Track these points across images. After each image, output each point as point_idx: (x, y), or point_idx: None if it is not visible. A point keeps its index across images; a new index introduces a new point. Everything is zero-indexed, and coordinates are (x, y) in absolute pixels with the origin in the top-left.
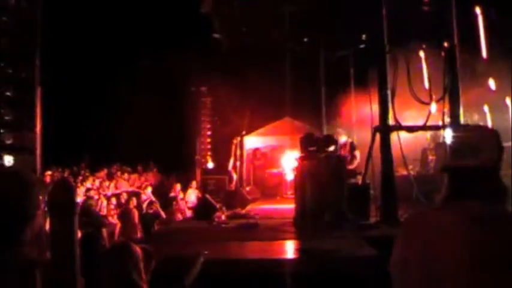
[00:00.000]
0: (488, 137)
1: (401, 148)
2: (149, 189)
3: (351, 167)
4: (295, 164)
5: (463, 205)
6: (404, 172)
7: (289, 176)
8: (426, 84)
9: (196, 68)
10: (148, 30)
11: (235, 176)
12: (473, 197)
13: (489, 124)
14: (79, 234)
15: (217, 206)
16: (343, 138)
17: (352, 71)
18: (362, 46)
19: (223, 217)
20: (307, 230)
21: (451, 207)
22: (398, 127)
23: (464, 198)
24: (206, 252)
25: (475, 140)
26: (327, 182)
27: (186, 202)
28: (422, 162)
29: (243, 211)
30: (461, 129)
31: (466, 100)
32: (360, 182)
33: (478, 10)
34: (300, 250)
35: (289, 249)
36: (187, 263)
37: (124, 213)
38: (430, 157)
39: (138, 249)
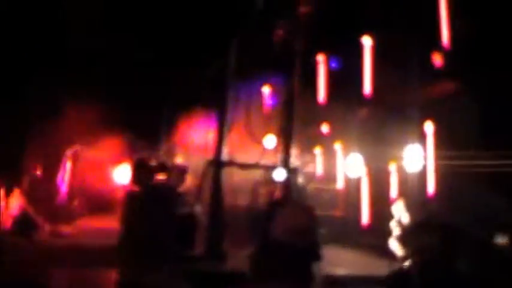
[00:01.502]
0: (314, 221)
1: (232, 184)
2: None
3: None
4: (127, 183)
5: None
6: (237, 203)
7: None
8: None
9: (40, 71)
10: None
11: (63, 189)
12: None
13: (319, 166)
14: None
15: (41, 220)
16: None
17: (198, 95)
18: (212, 73)
19: (45, 234)
20: (130, 259)
21: None
22: (231, 163)
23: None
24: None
25: (306, 222)
26: (155, 211)
27: (9, 211)
28: (253, 194)
29: (68, 228)
30: (292, 207)
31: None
32: (190, 212)
33: (320, 58)
34: (117, 283)
35: (107, 280)
36: None
37: None
38: (261, 191)
39: None
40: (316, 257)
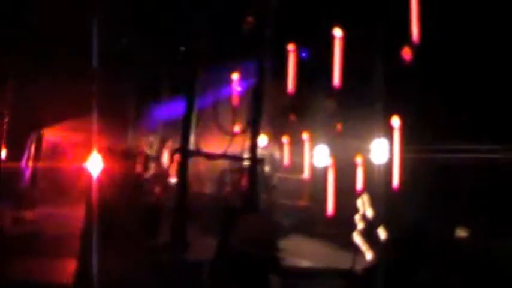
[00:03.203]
0: (274, 230)
1: (198, 172)
2: None
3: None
4: (97, 168)
5: None
6: (204, 191)
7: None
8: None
9: (5, 50)
10: None
11: (27, 173)
12: None
13: (286, 156)
14: None
15: (3, 205)
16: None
17: (165, 81)
18: (179, 58)
19: (7, 221)
20: (93, 247)
21: None
22: (197, 153)
23: None
24: None
25: (265, 231)
26: (120, 199)
27: None
28: (219, 182)
29: (31, 214)
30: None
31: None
32: (155, 201)
33: (291, 47)
34: (78, 274)
35: (67, 270)
36: None
37: None
38: (227, 179)
39: None
40: (275, 268)
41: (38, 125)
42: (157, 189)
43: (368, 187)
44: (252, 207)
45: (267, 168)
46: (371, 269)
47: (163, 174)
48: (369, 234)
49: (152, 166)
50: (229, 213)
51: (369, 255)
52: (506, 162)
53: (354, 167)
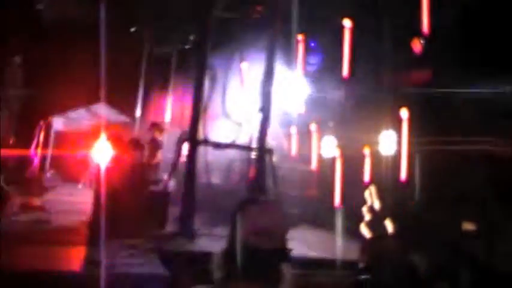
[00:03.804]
0: (284, 220)
1: (206, 162)
2: None
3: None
4: (106, 155)
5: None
6: (211, 181)
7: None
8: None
9: (14, 38)
10: None
11: (36, 160)
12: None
13: (294, 148)
14: None
15: (11, 193)
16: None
17: (173, 69)
18: (187, 47)
19: (15, 208)
20: (101, 236)
21: None
22: (206, 142)
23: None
24: None
25: (275, 222)
26: (127, 188)
27: None
28: (227, 172)
29: (39, 201)
30: (261, 205)
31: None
32: (163, 189)
33: (300, 37)
34: (87, 262)
35: (76, 259)
36: None
37: None
38: (235, 169)
39: None
40: (285, 257)
41: (48, 111)
42: (165, 177)
43: (376, 178)
44: (260, 197)
45: (274, 159)
46: (375, 259)
47: (172, 163)
48: (376, 225)
49: (160, 154)
50: (237, 203)
51: (375, 246)
52: None
53: (361, 158)
